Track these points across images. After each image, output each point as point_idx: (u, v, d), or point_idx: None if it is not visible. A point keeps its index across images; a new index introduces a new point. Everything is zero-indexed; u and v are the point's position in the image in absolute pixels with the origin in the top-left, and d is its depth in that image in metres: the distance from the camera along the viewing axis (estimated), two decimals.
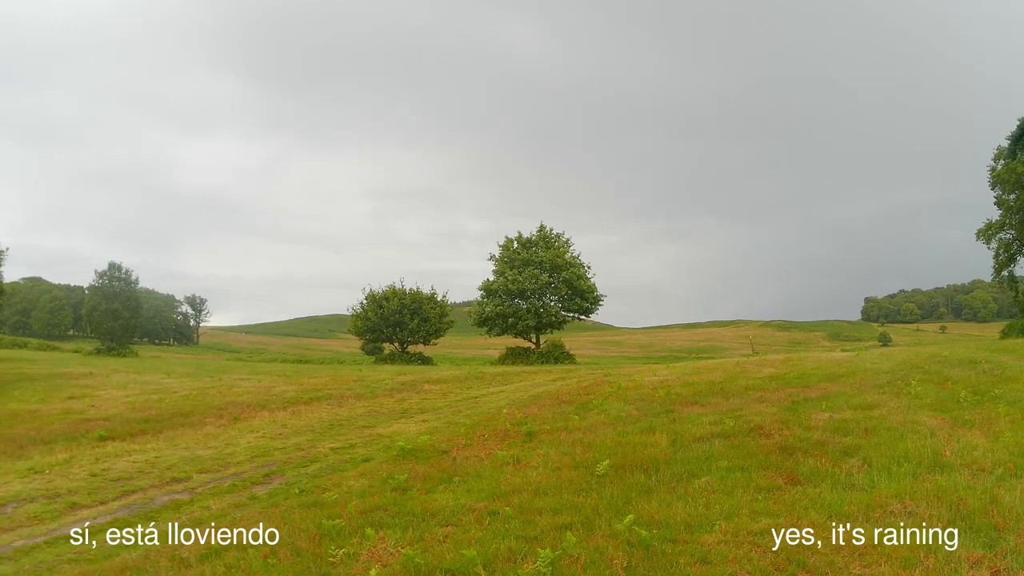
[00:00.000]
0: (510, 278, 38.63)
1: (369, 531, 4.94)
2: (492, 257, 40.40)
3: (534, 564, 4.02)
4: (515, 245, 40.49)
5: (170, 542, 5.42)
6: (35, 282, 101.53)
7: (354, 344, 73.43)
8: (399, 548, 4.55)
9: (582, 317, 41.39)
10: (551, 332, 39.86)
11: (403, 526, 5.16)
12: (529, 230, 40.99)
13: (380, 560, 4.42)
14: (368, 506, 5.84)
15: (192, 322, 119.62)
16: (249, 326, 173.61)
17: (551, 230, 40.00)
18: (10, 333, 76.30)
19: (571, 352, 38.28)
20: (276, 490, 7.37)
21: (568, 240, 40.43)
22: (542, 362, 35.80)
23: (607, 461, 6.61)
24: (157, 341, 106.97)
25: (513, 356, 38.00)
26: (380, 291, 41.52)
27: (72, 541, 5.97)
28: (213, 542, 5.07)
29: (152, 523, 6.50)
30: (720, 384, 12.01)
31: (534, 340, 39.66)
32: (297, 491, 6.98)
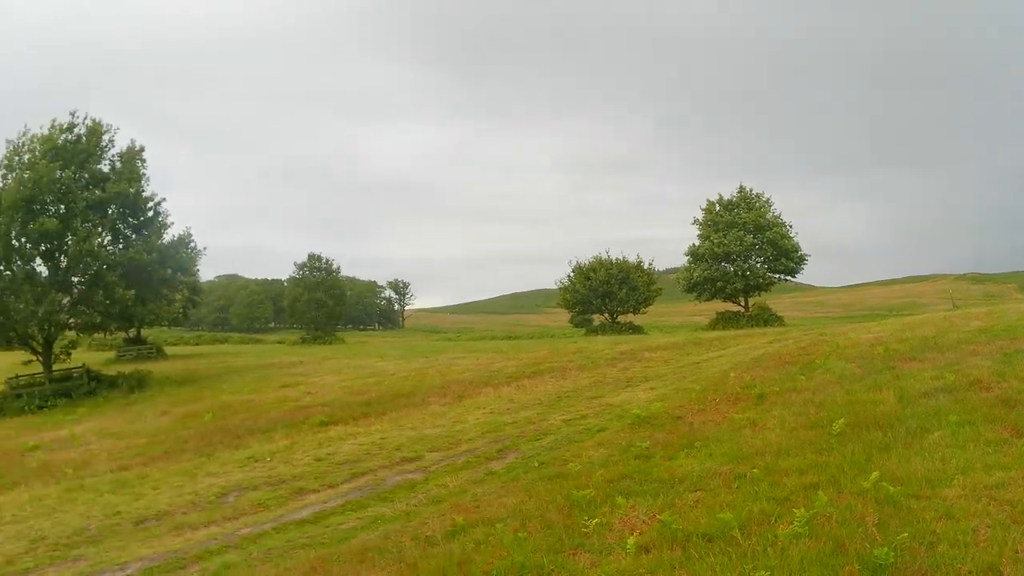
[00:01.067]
0: (715, 241, 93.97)
1: (620, 499, 12.40)
2: (696, 221, 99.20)
3: (790, 525, 9.99)
4: (717, 208, 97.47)
5: (410, 522, 14.06)
6: (231, 279, 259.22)
7: (561, 318, 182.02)
8: (652, 515, 11.55)
9: (787, 278, 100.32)
10: (758, 294, 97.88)
11: (652, 493, 12.84)
12: (725, 192, 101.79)
13: (634, 528, 11.12)
14: (613, 475, 14.54)
15: (396, 306, 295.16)
16: (454, 306, 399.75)
17: (751, 190, 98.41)
18: (210, 329, 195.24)
19: (778, 314, 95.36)
20: (513, 464, 18.46)
21: (768, 200, 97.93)
22: (752, 325, 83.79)
23: (841, 420, 16.22)
24: (362, 327, 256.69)
25: (724, 321, 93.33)
26: (587, 263, 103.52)
27: (302, 526, 15.39)
28: (458, 519, 12.90)
29: (386, 504, 16.15)
30: (933, 339, 27.29)
31: (742, 303, 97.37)
32: (536, 464, 17.72)
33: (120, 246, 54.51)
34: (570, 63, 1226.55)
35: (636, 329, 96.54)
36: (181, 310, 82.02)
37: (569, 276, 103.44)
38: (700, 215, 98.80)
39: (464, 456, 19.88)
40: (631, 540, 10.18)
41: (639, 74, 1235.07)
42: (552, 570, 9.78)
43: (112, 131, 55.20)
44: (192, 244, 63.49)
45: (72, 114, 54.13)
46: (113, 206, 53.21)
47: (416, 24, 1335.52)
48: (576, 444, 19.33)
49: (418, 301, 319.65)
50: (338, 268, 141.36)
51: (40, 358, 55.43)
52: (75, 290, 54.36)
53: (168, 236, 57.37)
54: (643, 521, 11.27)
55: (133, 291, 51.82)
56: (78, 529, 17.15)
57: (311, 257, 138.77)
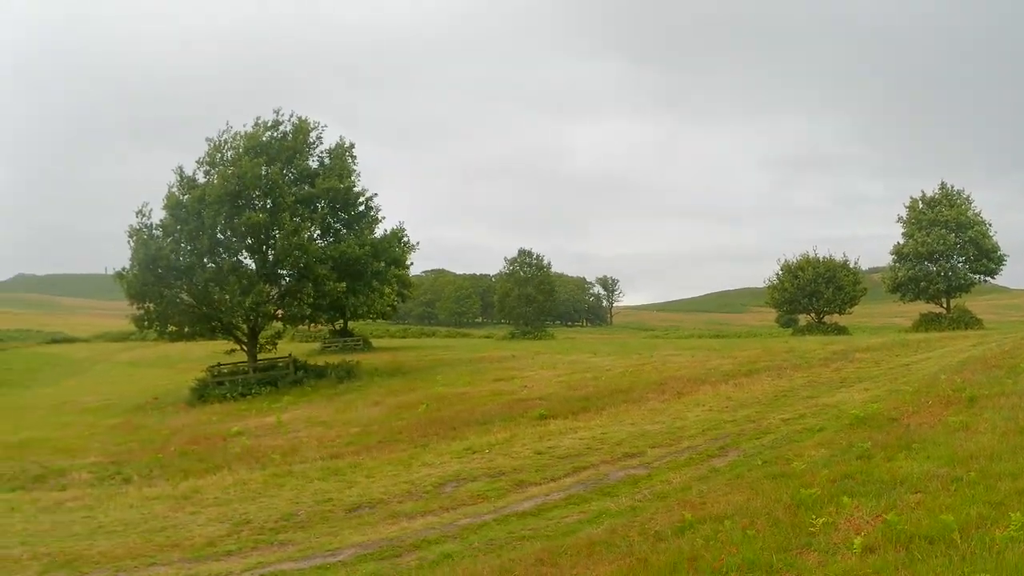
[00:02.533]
0: (919, 240, 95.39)
1: (845, 499, 12.52)
2: (900, 219, 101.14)
3: (1006, 529, 10.09)
4: (920, 205, 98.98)
5: (636, 517, 14.11)
6: (439, 274, 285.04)
7: (766, 317, 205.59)
8: (876, 515, 11.63)
9: (988, 279, 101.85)
10: (958, 296, 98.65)
11: (875, 493, 12.98)
12: (927, 188, 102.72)
13: (859, 528, 11.21)
14: (836, 475, 14.79)
15: (604, 303, 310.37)
16: (660, 304, 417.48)
17: (951, 187, 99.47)
18: (417, 323, 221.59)
19: (977, 316, 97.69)
20: (735, 462, 18.77)
21: (969, 197, 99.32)
22: (953, 327, 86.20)
23: None
24: (569, 323, 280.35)
25: (926, 323, 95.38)
26: (794, 261, 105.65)
27: (524, 518, 15.48)
28: (686, 515, 13.25)
29: (610, 498, 16.24)
30: None
31: (943, 305, 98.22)
32: (760, 462, 17.95)
33: (330, 240, 55.85)
34: (772, 57, 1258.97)
35: (841, 330, 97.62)
36: (391, 304, 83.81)
37: (777, 274, 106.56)
38: (904, 212, 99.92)
39: (686, 453, 19.98)
40: (857, 540, 10.33)
41: (841, 68, 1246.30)
42: (781, 568, 9.99)
43: (319, 128, 56.61)
44: (405, 238, 63.76)
45: (276, 112, 55.73)
46: (323, 201, 54.60)
47: (619, 20, 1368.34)
48: (796, 443, 19.72)
49: (624, 298, 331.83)
50: (548, 264, 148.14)
51: (245, 348, 57.20)
52: (283, 282, 56.02)
53: (380, 231, 58.62)
54: (867, 521, 11.43)
55: (344, 284, 52.91)
56: (286, 514, 17.51)
57: (521, 253, 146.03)
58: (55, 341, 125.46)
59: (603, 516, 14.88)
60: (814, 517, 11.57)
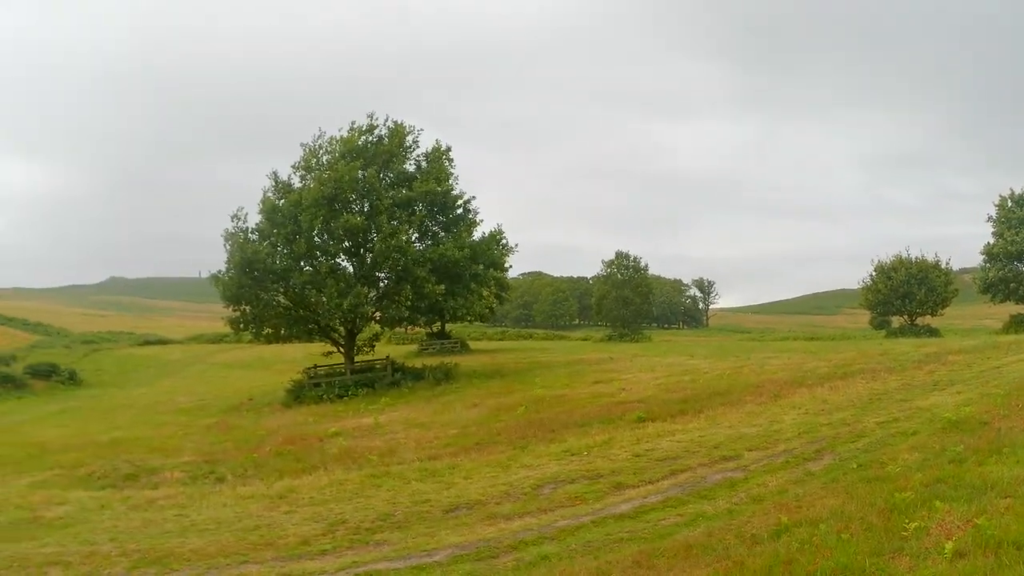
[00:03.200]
0: (1008, 239, 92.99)
1: (937, 503, 12.46)
2: (989, 218, 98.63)
3: None
4: (1009, 204, 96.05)
5: (733, 520, 14.10)
6: (535, 276, 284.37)
7: (859, 319, 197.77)
8: (967, 520, 11.34)
9: None
10: None
11: (966, 498, 12.68)
12: (1017, 186, 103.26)
13: (950, 533, 10.95)
14: (929, 479, 14.61)
15: (701, 305, 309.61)
16: (755, 306, 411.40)
17: None
18: (513, 325, 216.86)
19: None
20: (831, 465, 18.59)
21: None
22: None
23: None
24: (666, 325, 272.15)
25: (1016, 324, 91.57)
26: (888, 262, 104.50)
27: (621, 520, 15.45)
28: (782, 518, 13.12)
29: (707, 501, 16.17)
30: None
31: None
32: (855, 465, 17.79)
33: (428, 242, 56.40)
34: (866, 54, 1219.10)
35: (933, 332, 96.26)
36: (489, 306, 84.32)
37: (871, 275, 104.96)
38: (994, 211, 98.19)
39: (782, 456, 19.94)
40: (948, 545, 10.18)
41: (936, 63, 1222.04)
42: (873, 572, 9.94)
43: (415, 132, 57.10)
44: (503, 241, 63.82)
45: (370, 116, 56.43)
46: (420, 204, 54.87)
47: (711, 18, 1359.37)
48: (890, 447, 19.55)
49: (719, 300, 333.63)
50: (645, 266, 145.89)
51: (342, 350, 57.82)
52: (381, 285, 56.60)
53: (478, 233, 58.85)
54: (958, 526, 11.24)
55: (443, 286, 53.30)
56: (383, 515, 17.57)
57: (618, 255, 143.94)
58: (148, 343, 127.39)
59: (700, 519, 14.97)
60: (907, 521, 11.59)
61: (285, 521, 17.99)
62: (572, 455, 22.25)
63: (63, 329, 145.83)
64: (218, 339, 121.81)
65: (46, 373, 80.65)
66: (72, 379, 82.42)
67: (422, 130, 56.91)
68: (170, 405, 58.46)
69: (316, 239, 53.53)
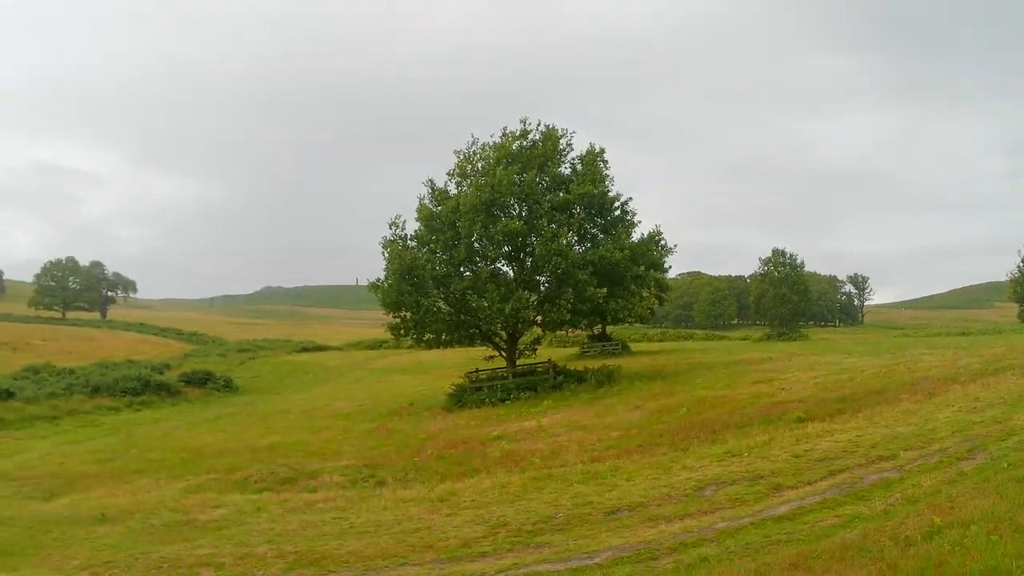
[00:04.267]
0: None
1: None
2: None
3: None
4: None
5: (888, 521, 14.20)
6: (694, 276, 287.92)
7: (1009, 313, 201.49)
8: None
9: None
10: None
11: None
12: None
13: None
14: None
15: (856, 301, 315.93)
16: (907, 301, 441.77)
17: None
18: (673, 326, 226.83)
19: None
20: (983, 465, 18.22)
21: None
22: None
23: None
24: (822, 323, 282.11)
25: None
26: None
27: (780, 522, 15.50)
28: (936, 520, 13.25)
29: (863, 502, 16.16)
30: None
31: None
32: (1005, 465, 17.37)
33: (588, 245, 56.56)
34: (1009, 40, 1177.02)
35: None
36: (650, 308, 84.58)
37: (1019, 267, 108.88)
38: None
39: (936, 455, 19.70)
40: None
41: None
42: None
43: (568, 135, 57.26)
44: (662, 241, 63.74)
45: (523, 122, 56.81)
46: (578, 207, 55.07)
47: (853, 10, 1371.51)
48: None
49: (874, 296, 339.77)
50: (801, 263, 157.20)
51: (503, 354, 58.35)
52: (541, 288, 56.71)
53: (636, 234, 58.80)
54: None
55: (604, 289, 53.50)
56: (544, 517, 17.74)
57: (775, 252, 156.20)
58: (305, 350, 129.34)
59: (856, 520, 14.90)
60: None
61: (446, 524, 18.30)
62: (733, 456, 22.35)
63: (218, 338, 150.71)
64: (377, 345, 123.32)
65: (201, 380, 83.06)
66: (228, 386, 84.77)
67: (575, 133, 57.24)
68: (329, 410, 59.73)
69: (475, 244, 54.13)
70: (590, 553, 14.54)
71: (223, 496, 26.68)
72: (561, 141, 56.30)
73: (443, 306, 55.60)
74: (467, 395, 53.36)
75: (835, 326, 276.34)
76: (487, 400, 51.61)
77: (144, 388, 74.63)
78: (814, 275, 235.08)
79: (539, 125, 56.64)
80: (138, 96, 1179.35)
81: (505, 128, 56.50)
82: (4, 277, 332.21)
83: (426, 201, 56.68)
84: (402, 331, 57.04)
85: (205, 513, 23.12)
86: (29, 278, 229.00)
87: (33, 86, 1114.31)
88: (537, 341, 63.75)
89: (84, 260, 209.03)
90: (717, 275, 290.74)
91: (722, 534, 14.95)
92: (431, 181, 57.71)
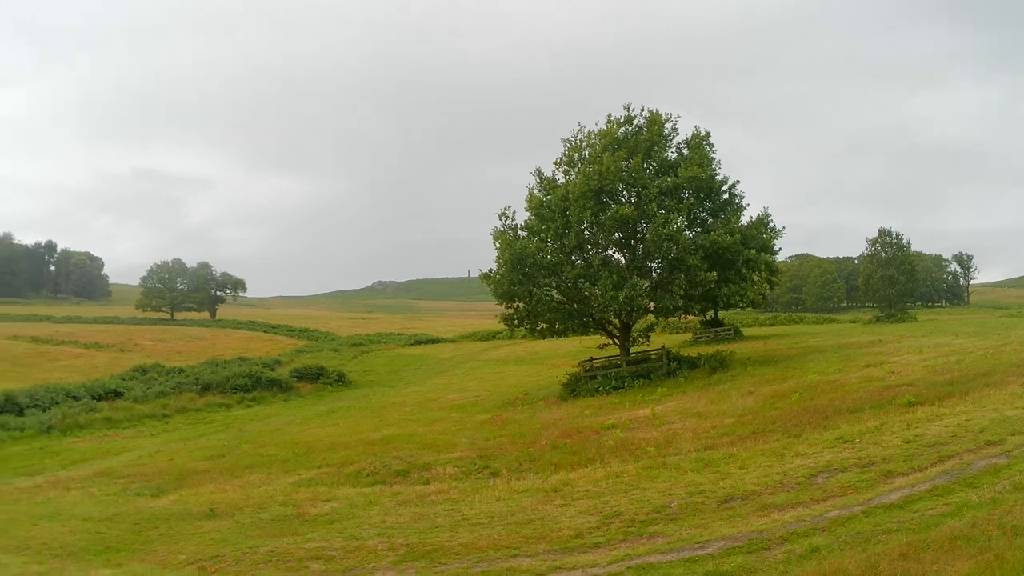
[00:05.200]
0: None
1: None
2: None
3: None
4: None
5: (996, 510, 14.20)
6: (803, 259, 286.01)
7: None
8: None
9: None
10: None
11: None
12: None
13: None
14: None
15: (961, 280, 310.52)
16: (1012, 280, 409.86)
17: None
18: (783, 310, 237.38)
19: None
20: None
21: None
22: None
23: None
24: (929, 304, 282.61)
25: None
26: None
27: (890, 510, 15.47)
28: None
29: (972, 489, 16.11)
30: None
31: None
32: None
33: (697, 230, 56.44)
34: None
35: None
36: (761, 292, 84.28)
37: None
38: None
39: None
40: None
41: None
42: None
43: (673, 120, 57.13)
44: (771, 224, 63.45)
45: (627, 107, 56.82)
46: (686, 191, 54.99)
47: None
48: None
49: (979, 275, 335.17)
50: (908, 243, 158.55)
51: (617, 342, 58.30)
52: (654, 275, 56.84)
53: (744, 218, 58.68)
54: None
55: (715, 273, 53.22)
56: (658, 507, 17.69)
57: (881, 232, 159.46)
58: (419, 343, 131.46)
59: (965, 508, 14.77)
60: None
61: (559, 514, 18.31)
62: (844, 442, 22.12)
63: (330, 333, 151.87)
64: (490, 336, 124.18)
65: (313, 376, 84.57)
66: (341, 380, 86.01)
67: (679, 117, 57.06)
68: (442, 402, 60.24)
69: (586, 232, 54.37)
70: (702, 543, 14.47)
71: (335, 490, 27.10)
72: (666, 126, 56.28)
73: (555, 295, 55.80)
74: (581, 384, 53.45)
75: (941, 307, 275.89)
76: (601, 389, 51.56)
77: (255, 385, 76.34)
78: (920, 255, 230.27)
79: (643, 111, 56.69)
80: (245, 99, 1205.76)
81: (610, 115, 56.74)
82: (110, 281, 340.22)
83: (535, 191, 57.11)
84: (515, 321, 57.58)
85: (316, 507, 23.43)
86: (135, 281, 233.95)
87: (137, 94, 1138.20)
88: (650, 328, 63.85)
89: (192, 262, 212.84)
90: (825, 257, 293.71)
91: (833, 523, 14.90)
92: (539, 171, 58.07)
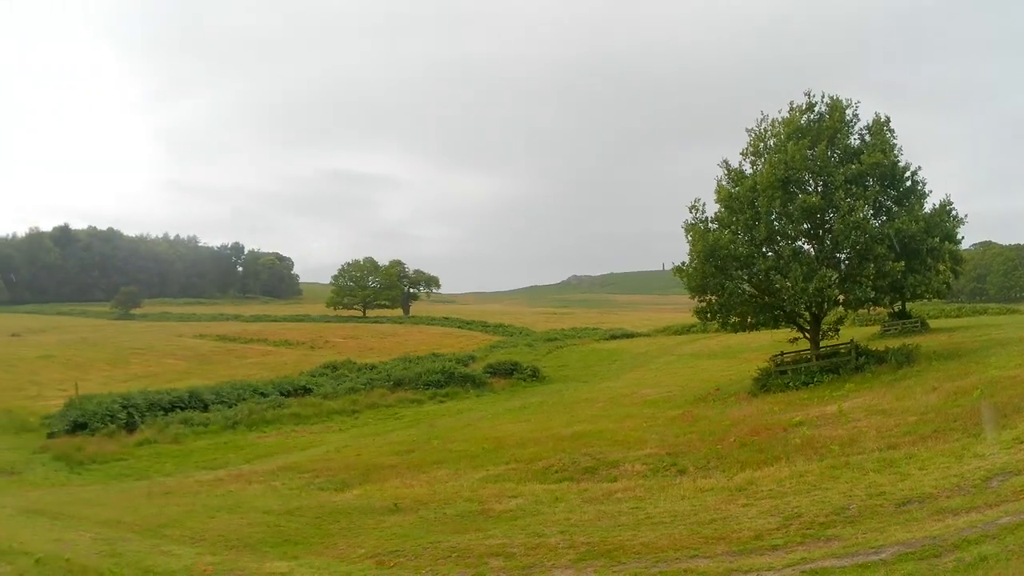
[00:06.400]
0: None
1: None
2: None
3: None
4: None
5: None
6: (986, 247, 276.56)
7: None
8: None
9: None
10: None
11: None
12: None
13: None
14: None
15: None
16: None
17: None
18: (968, 300, 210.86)
19: None
20: None
21: None
22: None
23: None
24: None
25: None
26: None
27: None
28: None
29: None
30: None
31: None
32: None
33: (883, 218, 55.48)
34: None
35: None
36: (946, 281, 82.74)
37: None
38: None
39: None
40: None
41: None
42: None
43: (853, 106, 56.36)
44: (953, 211, 62.24)
45: (807, 94, 56.20)
46: (870, 179, 54.10)
47: None
48: None
49: None
50: None
51: (807, 335, 57.83)
52: (842, 265, 56.06)
53: (928, 205, 57.14)
54: None
55: (902, 263, 52.38)
56: (837, 508, 17.43)
57: None
58: (613, 337, 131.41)
59: None
60: None
61: (741, 515, 18.24)
62: (1021, 443, 21.20)
63: (525, 328, 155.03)
64: (684, 330, 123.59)
65: (507, 371, 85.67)
66: (534, 376, 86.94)
67: (859, 103, 56.46)
68: (635, 398, 60.42)
69: (775, 223, 54.05)
70: (876, 548, 14.23)
71: (521, 486, 27.51)
72: (847, 112, 55.62)
73: (747, 288, 55.69)
74: (772, 379, 53.15)
75: None
76: (791, 384, 51.21)
77: (448, 380, 77.84)
78: None
79: (823, 97, 56.14)
80: (430, 98, 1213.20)
81: (792, 103, 56.36)
82: (300, 280, 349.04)
83: (723, 182, 57.09)
84: (708, 315, 57.79)
85: (501, 503, 23.83)
86: (324, 280, 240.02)
87: (325, 96, 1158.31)
88: (840, 321, 62.98)
89: (383, 260, 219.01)
90: (1008, 244, 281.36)
91: (1003, 530, 14.19)
92: (726, 162, 57.98)
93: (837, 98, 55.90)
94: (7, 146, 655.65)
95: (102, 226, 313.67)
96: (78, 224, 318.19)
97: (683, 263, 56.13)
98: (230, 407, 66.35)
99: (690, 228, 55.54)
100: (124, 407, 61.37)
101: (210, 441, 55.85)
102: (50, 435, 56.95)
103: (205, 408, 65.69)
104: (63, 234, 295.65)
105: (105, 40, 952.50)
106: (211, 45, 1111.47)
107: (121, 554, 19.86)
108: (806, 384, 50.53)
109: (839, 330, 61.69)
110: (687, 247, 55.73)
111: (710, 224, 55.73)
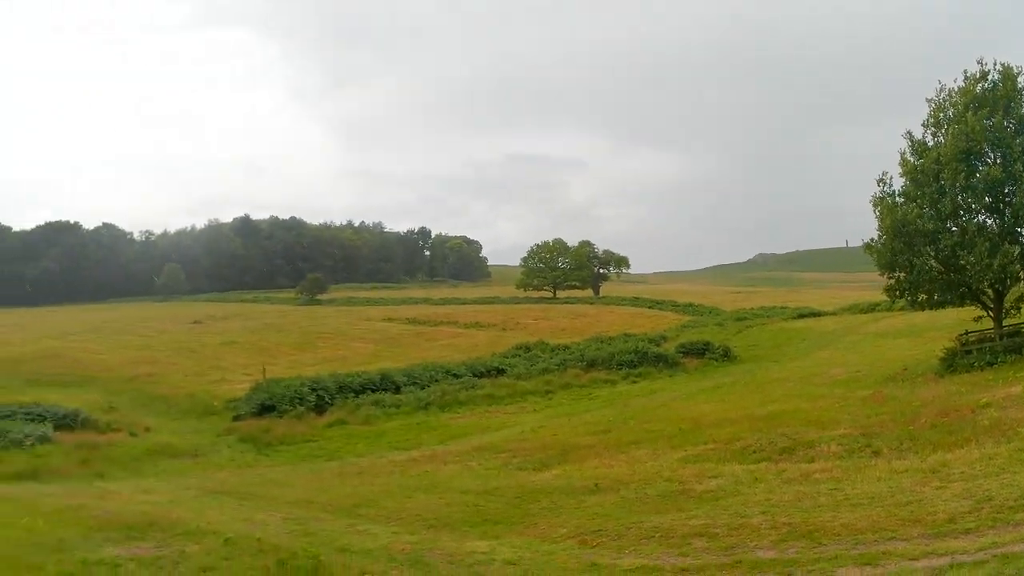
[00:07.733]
0: None
1: None
2: None
3: None
4: None
5: None
6: None
7: None
8: None
9: None
10: None
11: None
12: None
13: None
14: None
15: None
16: None
17: None
18: None
19: None
20: None
21: None
22: None
23: None
24: None
25: None
26: None
27: None
28: None
29: None
30: None
31: None
32: None
33: None
34: None
35: None
36: None
37: None
38: None
39: None
40: None
41: None
42: None
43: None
44: None
45: (980, 63, 54.69)
46: None
47: None
48: None
49: None
50: None
51: (991, 313, 56.74)
52: (1021, 239, 54.49)
53: None
54: None
55: None
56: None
57: None
58: (800, 316, 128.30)
59: None
60: None
61: (935, 497, 18.39)
62: None
63: (714, 308, 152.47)
64: (870, 308, 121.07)
65: (699, 351, 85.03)
66: (726, 355, 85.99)
67: None
68: (824, 377, 60.01)
69: (959, 198, 53.05)
70: None
71: (720, 466, 27.73)
72: (1020, 79, 53.84)
73: (934, 264, 54.89)
74: (957, 359, 52.40)
75: None
76: (976, 364, 50.34)
77: (640, 360, 77.40)
78: None
79: (995, 65, 54.55)
80: (607, 80, 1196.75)
81: (966, 71, 55.03)
82: (489, 263, 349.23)
83: (907, 155, 56.27)
84: (897, 292, 57.22)
85: (701, 483, 24.24)
86: (514, 262, 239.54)
87: (499, 82, 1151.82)
88: (1022, 298, 61.81)
89: (572, 241, 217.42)
90: None
91: None
92: (909, 133, 56.83)
93: (1008, 65, 54.42)
94: (188, 146, 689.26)
95: (283, 216, 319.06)
96: (259, 215, 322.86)
97: (872, 239, 56.06)
98: (422, 388, 67.66)
99: (878, 202, 55.39)
100: (313, 389, 63.57)
101: (402, 422, 57.25)
102: (236, 418, 59.93)
103: (397, 390, 67.16)
104: (244, 224, 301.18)
105: (270, 36, 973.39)
106: (377, 38, 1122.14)
107: (314, 533, 20.74)
108: (991, 364, 49.57)
109: (1020, 308, 59.94)
110: (875, 222, 55.68)
111: (897, 198, 55.28)
